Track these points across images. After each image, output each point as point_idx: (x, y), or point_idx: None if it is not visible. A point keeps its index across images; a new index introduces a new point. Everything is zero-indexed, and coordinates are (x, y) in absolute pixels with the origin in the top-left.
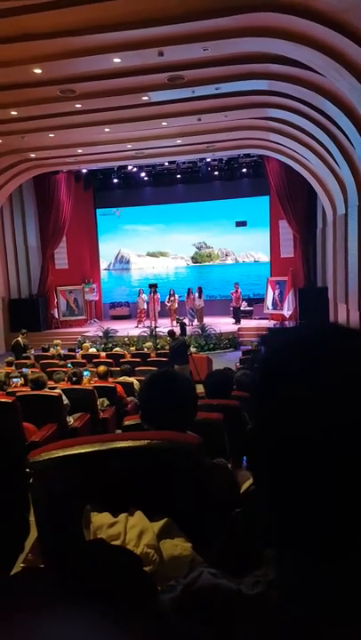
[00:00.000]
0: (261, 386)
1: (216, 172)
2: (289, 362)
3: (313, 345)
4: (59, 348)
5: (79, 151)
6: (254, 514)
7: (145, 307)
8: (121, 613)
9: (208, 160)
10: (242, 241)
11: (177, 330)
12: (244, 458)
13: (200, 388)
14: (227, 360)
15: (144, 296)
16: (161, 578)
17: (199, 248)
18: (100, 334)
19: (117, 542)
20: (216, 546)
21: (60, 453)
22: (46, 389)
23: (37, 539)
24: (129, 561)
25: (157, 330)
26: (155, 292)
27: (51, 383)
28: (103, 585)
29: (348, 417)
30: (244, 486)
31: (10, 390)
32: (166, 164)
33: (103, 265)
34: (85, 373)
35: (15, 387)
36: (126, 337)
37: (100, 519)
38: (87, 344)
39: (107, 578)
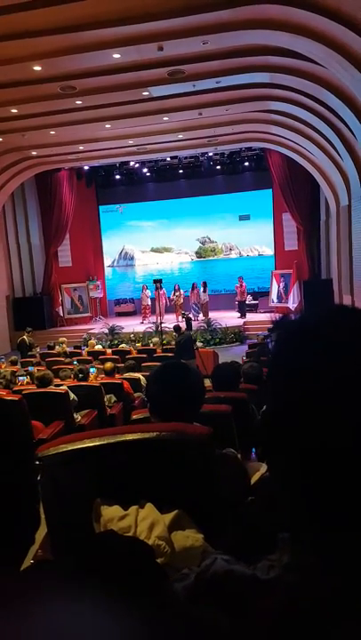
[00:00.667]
0: (273, 379)
1: (218, 167)
2: (299, 353)
3: (321, 330)
4: (64, 345)
5: (80, 148)
6: (268, 500)
7: (149, 303)
8: (133, 602)
9: (210, 154)
10: (245, 235)
11: (183, 325)
12: (253, 449)
13: (207, 382)
14: (233, 354)
15: (148, 292)
16: (173, 569)
17: (203, 243)
18: (106, 331)
19: (128, 535)
20: (229, 535)
21: (70, 447)
22: (52, 387)
23: (47, 534)
24: (141, 551)
25: (163, 325)
26: (160, 287)
27: (57, 381)
28: (115, 576)
29: None
30: (255, 478)
31: (16, 388)
32: (168, 159)
33: (107, 262)
34: (92, 370)
35: (21, 385)
36: (132, 333)
37: (111, 512)
38: (93, 341)
39: (118, 568)
